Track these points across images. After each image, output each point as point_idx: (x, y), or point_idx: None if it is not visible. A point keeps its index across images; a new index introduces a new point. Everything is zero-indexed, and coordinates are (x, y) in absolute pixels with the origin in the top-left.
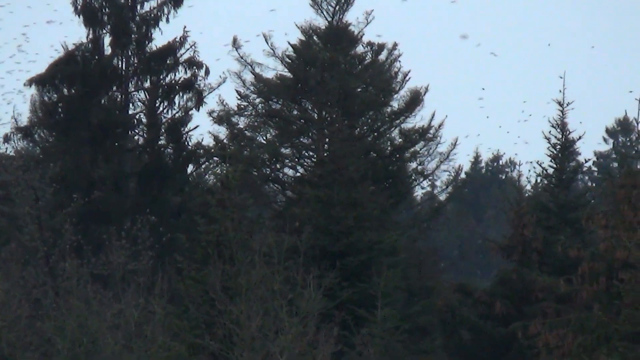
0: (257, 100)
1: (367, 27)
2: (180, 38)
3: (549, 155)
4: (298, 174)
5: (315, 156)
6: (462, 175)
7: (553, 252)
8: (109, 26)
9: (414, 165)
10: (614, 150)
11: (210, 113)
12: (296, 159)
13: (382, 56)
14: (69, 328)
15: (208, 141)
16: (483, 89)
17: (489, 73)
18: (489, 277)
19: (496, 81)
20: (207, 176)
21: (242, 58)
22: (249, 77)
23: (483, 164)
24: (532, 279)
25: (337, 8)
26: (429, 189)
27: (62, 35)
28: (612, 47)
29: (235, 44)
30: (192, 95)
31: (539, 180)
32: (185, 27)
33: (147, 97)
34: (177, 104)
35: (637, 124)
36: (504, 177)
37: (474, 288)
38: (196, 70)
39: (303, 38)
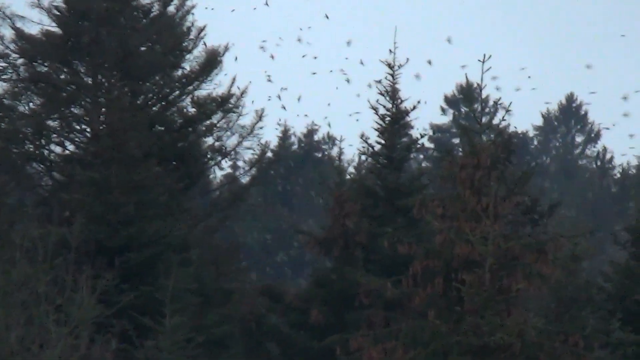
0: (19, 61)
1: None
2: None
3: (377, 129)
4: (67, 152)
5: (88, 130)
6: (269, 154)
7: (381, 247)
8: None
9: (210, 141)
10: (454, 123)
11: None
12: (66, 134)
13: (172, 8)
14: None
15: None
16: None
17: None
18: (303, 278)
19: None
20: None
21: None
22: (8, 32)
23: (294, 139)
24: (356, 280)
25: None
26: (229, 170)
27: None
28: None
29: None
30: None
31: (363, 160)
32: None
33: None
34: None
35: (481, 90)
36: (320, 156)
37: (284, 291)
38: None
39: None
